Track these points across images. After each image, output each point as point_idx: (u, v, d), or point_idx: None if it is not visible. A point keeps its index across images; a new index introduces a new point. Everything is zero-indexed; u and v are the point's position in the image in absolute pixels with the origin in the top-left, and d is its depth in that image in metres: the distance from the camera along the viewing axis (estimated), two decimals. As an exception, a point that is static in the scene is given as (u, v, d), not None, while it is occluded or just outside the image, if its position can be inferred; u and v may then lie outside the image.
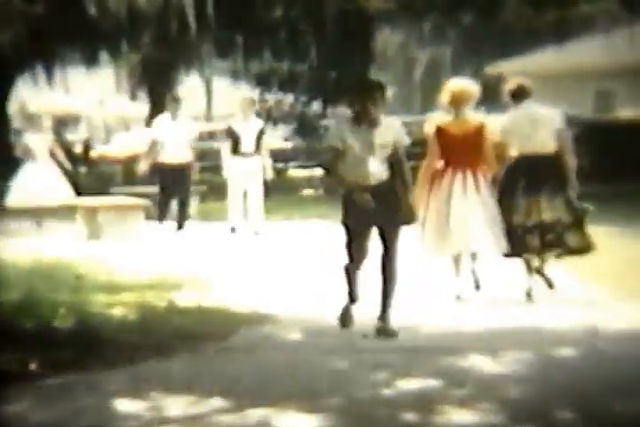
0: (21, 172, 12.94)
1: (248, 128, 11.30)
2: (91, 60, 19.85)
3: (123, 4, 16.08)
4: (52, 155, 13.02)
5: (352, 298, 6.14)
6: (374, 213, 5.81)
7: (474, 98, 6.91)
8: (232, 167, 11.35)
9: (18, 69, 19.80)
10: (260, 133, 11.40)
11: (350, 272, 6.07)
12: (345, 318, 6.14)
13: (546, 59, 22.14)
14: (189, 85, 23.17)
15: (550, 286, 7.05)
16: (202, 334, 5.84)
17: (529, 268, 7.03)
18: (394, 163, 5.97)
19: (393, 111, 10.42)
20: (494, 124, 6.98)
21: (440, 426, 4.18)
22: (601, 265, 7.80)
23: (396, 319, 6.02)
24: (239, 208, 11.41)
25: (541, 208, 6.87)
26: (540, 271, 7.05)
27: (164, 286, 7.43)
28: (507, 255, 7.03)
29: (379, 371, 5.05)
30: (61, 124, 24.80)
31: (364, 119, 5.88)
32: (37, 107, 21.62)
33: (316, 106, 19.92)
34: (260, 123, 11.70)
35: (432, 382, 4.81)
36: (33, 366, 5.09)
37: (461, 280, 7.04)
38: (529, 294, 6.95)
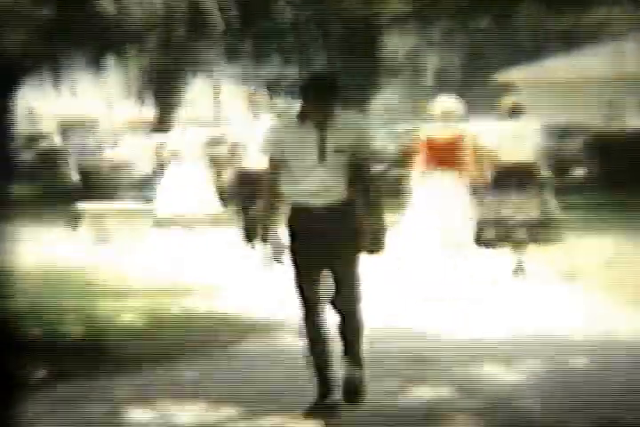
0: (166, 176, 11.75)
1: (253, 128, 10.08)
2: (98, 64, 19.88)
3: (131, 8, 16.07)
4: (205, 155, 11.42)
5: (325, 383, 4.52)
6: (324, 244, 4.41)
7: (459, 113, 8.27)
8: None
9: (25, 73, 19.84)
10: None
11: (312, 328, 4.57)
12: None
13: (556, 66, 22.12)
14: (197, 90, 23.20)
15: (521, 271, 8.26)
16: (211, 341, 5.80)
17: (514, 252, 8.30)
18: (354, 175, 4.46)
19: (403, 118, 10.39)
20: (487, 134, 8.32)
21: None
22: (611, 275, 7.77)
23: (405, 325, 5.97)
24: None
25: (524, 206, 8.18)
26: (519, 260, 8.29)
27: (173, 292, 7.39)
28: (490, 245, 8.28)
29: (390, 379, 5.01)
30: (68, 128, 24.84)
31: (312, 117, 4.44)
32: (44, 111, 21.67)
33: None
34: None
35: (444, 392, 4.76)
36: (41, 374, 5.08)
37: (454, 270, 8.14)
38: (516, 272, 8.23)
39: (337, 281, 4.51)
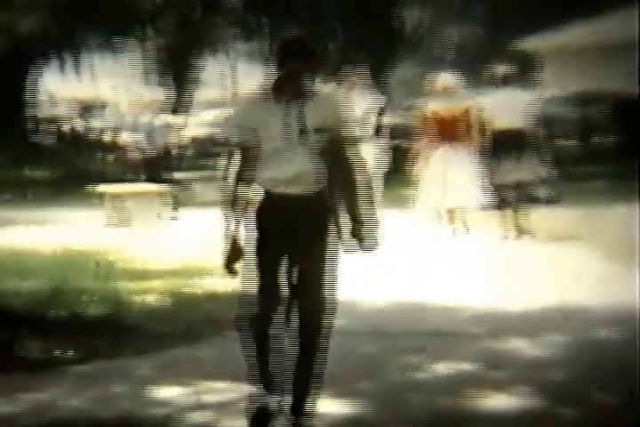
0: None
1: (363, 105, 9.17)
2: (115, 46, 19.90)
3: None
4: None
5: (268, 382, 3.95)
6: (296, 236, 3.84)
7: (457, 88, 8.93)
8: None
9: (44, 57, 19.89)
10: (380, 113, 9.36)
11: (259, 329, 3.99)
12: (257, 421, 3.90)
13: (575, 34, 21.86)
14: (214, 69, 23.18)
15: (522, 233, 8.92)
16: (230, 320, 5.82)
17: (508, 218, 9.01)
18: (335, 158, 3.86)
19: (418, 91, 10.32)
20: (481, 104, 8.88)
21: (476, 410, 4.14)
22: (626, 245, 7.78)
23: (427, 301, 5.97)
24: None
25: (519, 169, 8.81)
26: (517, 222, 8.97)
27: (192, 273, 7.43)
28: (488, 208, 8.95)
29: (413, 355, 5.02)
30: (87, 111, 24.92)
31: (287, 88, 3.79)
32: (63, 94, 21.74)
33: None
34: (380, 100, 9.56)
35: (467, 366, 4.77)
36: (64, 354, 5.12)
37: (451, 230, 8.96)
38: (519, 235, 8.94)
39: (303, 280, 3.91)
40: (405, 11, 21.09)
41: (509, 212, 8.95)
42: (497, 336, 5.37)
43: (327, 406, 4.16)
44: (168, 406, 4.26)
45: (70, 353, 5.13)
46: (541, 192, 8.99)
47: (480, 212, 9.04)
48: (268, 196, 3.86)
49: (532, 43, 22.37)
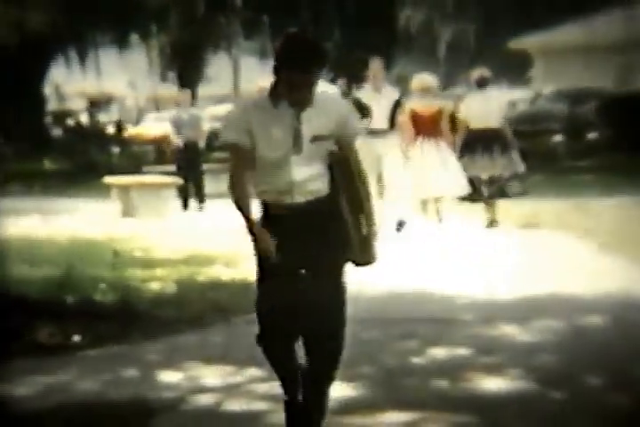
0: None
1: (379, 100, 9.09)
2: (122, 42, 19.99)
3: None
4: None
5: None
6: (300, 252, 3.52)
7: (434, 88, 9.44)
8: (362, 148, 9.82)
9: (52, 52, 20.01)
10: (396, 106, 9.18)
11: (278, 359, 3.69)
12: None
13: (567, 33, 22.02)
14: (217, 65, 23.28)
15: (493, 223, 9.52)
16: (235, 307, 5.98)
17: (486, 209, 9.56)
18: (339, 167, 3.58)
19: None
20: (460, 105, 9.54)
21: (470, 393, 4.29)
22: (617, 235, 7.96)
23: (422, 289, 6.11)
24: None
25: (492, 165, 9.39)
26: (490, 212, 9.54)
27: (198, 262, 7.58)
28: (464, 199, 9.49)
29: (408, 340, 5.18)
30: (94, 105, 25.05)
31: (287, 94, 3.47)
32: (72, 88, 21.83)
33: (340, 84, 19.99)
34: (395, 93, 9.38)
35: (461, 351, 4.93)
36: (76, 339, 5.26)
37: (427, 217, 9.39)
38: (490, 225, 9.48)
39: (314, 302, 3.55)
40: (401, 10, 21.18)
41: (485, 202, 9.54)
42: (489, 323, 5.52)
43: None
44: (176, 389, 4.36)
45: (82, 338, 5.25)
46: (512, 186, 9.68)
47: (455, 202, 9.68)
48: (266, 209, 3.54)
49: (524, 41, 22.50)
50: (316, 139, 3.53)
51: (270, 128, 3.51)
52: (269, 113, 3.52)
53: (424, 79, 9.44)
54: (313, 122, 3.53)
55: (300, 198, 3.54)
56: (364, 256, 3.65)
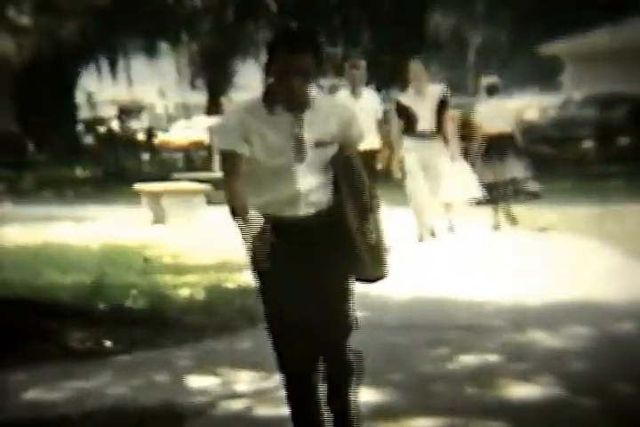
0: None
1: (423, 102, 8.84)
2: (152, 51, 20.16)
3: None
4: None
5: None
6: (306, 269, 3.30)
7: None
8: (408, 151, 8.88)
9: (84, 61, 20.22)
10: (441, 107, 8.84)
11: (297, 391, 3.43)
12: None
13: (598, 37, 21.90)
14: (247, 73, 23.39)
15: (514, 221, 9.90)
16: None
17: (497, 212, 9.86)
18: (343, 175, 3.32)
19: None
20: (474, 111, 9.77)
21: (500, 399, 4.28)
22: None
23: (455, 296, 6.10)
24: (424, 203, 8.96)
25: (507, 169, 9.70)
26: (508, 214, 9.89)
27: (228, 268, 7.62)
28: (479, 203, 9.61)
29: (437, 347, 5.18)
30: (125, 113, 25.26)
31: (284, 96, 3.21)
32: (103, 96, 22.04)
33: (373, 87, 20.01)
34: (439, 92, 8.99)
35: (491, 358, 4.93)
36: (107, 344, 5.32)
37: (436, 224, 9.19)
38: (496, 227, 9.79)
39: (325, 322, 3.34)
40: (431, 15, 21.19)
41: (501, 206, 9.83)
42: (519, 329, 5.51)
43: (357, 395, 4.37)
44: (206, 394, 4.38)
45: (113, 344, 5.30)
46: (527, 188, 10.02)
47: (473, 207, 9.79)
48: (267, 222, 3.20)
49: (554, 46, 22.41)
50: (318, 144, 3.27)
51: (268, 135, 3.22)
52: (265, 120, 3.23)
53: (435, 88, 9.29)
54: (314, 126, 3.26)
55: (305, 211, 3.28)
56: (375, 271, 3.35)
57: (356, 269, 3.34)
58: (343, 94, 8.76)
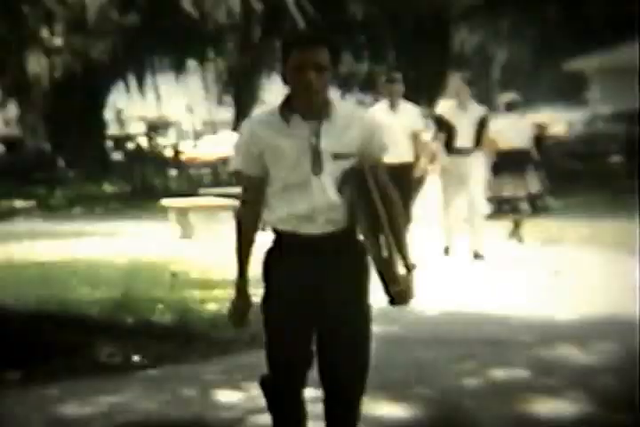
0: None
1: (465, 117, 8.77)
2: (179, 68, 20.35)
3: (212, 11, 16.48)
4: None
5: None
6: (320, 291, 3.09)
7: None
8: (448, 167, 8.83)
9: (112, 78, 20.46)
10: (482, 124, 8.81)
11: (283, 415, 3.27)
12: None
13: (624, 53, 21.83)
14: (272, 89, 23.52)
15: (520, 240, 9.92)
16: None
17: (519, 226, 9.94)
18: (363, 192, 3.05)
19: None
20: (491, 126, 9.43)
21: (529, 415, 4.25)
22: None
23: (483, 310, 6.09)
24: (456, 221, 8.96)
25: (524, 184, 9.82)
26: (516, 229, 9.94)
27: (254, 282, 7.63)
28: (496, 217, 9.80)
29: (465, 362, 5.17)
30: (153, 129, 25.49)
31: (301, 102, 3.04)
32: (131, 113, 22.26)
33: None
34: (480, 110, 8.94)
35: (519, 373, 4.91)
36: (135, 359, 5.34)
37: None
38: (520, 240, 9.85)
39: (334, 351, 3.13)
40: (456, 32, 21.21)
41: (515, 220, 9.92)
42: (548, 344, 5.49)
43: (384, 409, 4.31)
44: (234, 409, 4.38)
45: (141, 358, 5.32)
46: (541, 204, 10.41)
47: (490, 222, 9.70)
48: (280, 238, 3.09)
49: (580, 62, 22.37)
50: (337, 157, 3.04)
51: (284, 147, 3.03)
52: (281, 130, 3.04)
53: (448, 104, 9.47)
54: (333, 137, 3.04)
55: (323, 229, 3.04)
56: (402, 293, 3.09)
57: (386, 290, 3.09)
58: (380, 107, 8.72)
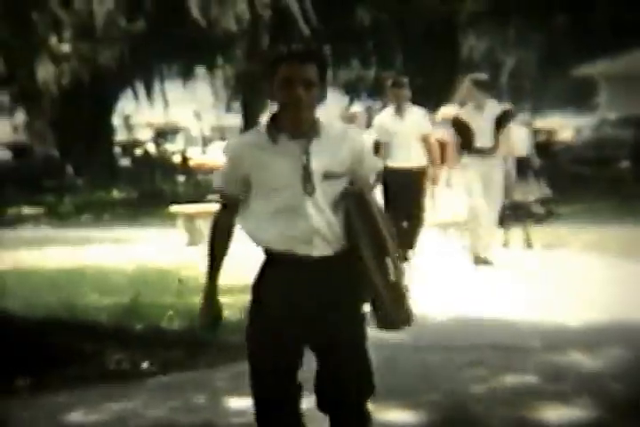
0: None
1: (482, 117, 8.54)
2: (187, 74, 20.41)
3: (220, 19, 16.53)
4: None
5: None
6: (312, 316, 3.02)
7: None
8: (466, 168, 8.68)
9: (120, 85, 20.53)
10: (500, 122, 8.55)
11: None
12: None
13: (632, 58, 21.82)
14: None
15: (530, 246, 9.98)
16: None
17: (527, 231, 10.04)
18: (357, 212, 3.01)
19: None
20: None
21: (538, 421, 4.26)
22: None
23: (492, 316, 6.09)
24: (483, 222, 8.59)
25: (525, 190, 10.49)
26: (527, 233, 10.05)
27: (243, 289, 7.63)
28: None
29: (474, 368, 5.17)
30: (161, 135, 25.57)
31: (288, 120, 2.99)
32: (139, 120, 22.32)
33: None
34: (499, 108, 8.75)
35: (527, 379, 4.91)
36: (144, 366, 5.35)
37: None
38: (529, 246, 9.93)
39: (333, 378, 3.09)
40: (464, 39, 21.24)
41: (522, 226, 10.06)
42: (557, 350, 5.48)
43: (393, 415, 4.31)
44: (244, 415, 4.29)
45: (150, 365, 5.33)
46: (539, 209, 11.03)
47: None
48: (271, 260, 3.05)
49: (589, 68, 22.38)
50: (328, 176, 2.97)
51: (273, 167, 2.96)
52: (269, 150, 2.98)
53: (445, 110, 9.90)
54: (323, 156, 2.97)
55: (320, 251, 2.99)
56: (397, 315, 3.05)
57: (377, 316, 3.03)
58: (387, 113, 8.72)
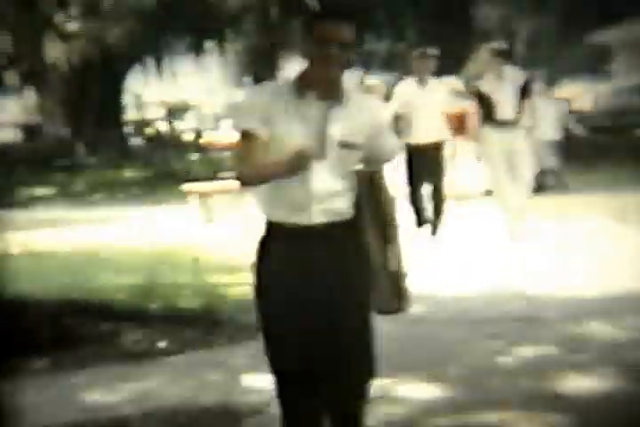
0: None
1: (503, 87, 8.22)
2: (197, 49, 20.28)
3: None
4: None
5: None
6: (319, 288, 2.91)
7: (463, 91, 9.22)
8: (487, 141, 8.32)
9: (130, 63, 20.44)
10: (524, 92, 8.22)
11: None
12: None
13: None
14: (292, 70, 23.45)
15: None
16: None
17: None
18: (364, 189, 2.92)
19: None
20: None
21: (559, 392, 4.22)
22: None
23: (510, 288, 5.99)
24: (508, 196, 8.32)
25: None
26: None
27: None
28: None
29: (496, 340, 5.12)
30: (172, 112, 25.50)
31: (316, 79, 2.86)
32: (150, 97, 22.22)
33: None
34: (520, 77, 8.35)
35: (548, 350, 4.85)
36: (161, 345, 5.34)
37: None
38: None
39: (337, 355, 2.93)
40: (478, 7, 20.99)
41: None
42: (576, 320, 5.43)
43: (413, 389, 4.30)
44: (262, 393, 4.34)
45: (167, 344, 5.32)
46: (551, 181, 11.06)
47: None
48: (272, 229, 2.91)
49: (605, 35, 22.09)
50: (344, 145, 2.84)
51: (291, 122, 2.81)
52: (292, 103, 2.83)
53: (454, 83, 9.58)
54: (343, 123, 2.84)
55: (318, 218, 2.84)
56: (393, 301, 2.96)
57: (374, 299, 2.92)
58: (408, 84, 8.42)
